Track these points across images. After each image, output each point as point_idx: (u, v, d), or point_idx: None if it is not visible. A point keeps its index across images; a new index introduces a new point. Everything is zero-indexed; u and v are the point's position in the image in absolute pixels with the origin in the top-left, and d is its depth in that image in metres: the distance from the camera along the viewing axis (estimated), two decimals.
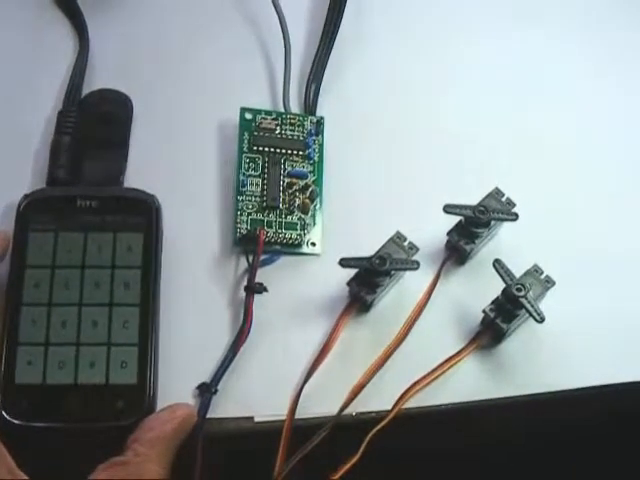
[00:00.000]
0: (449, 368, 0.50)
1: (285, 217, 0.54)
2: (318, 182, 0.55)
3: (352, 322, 0.52)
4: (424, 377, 0.50)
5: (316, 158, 0.56)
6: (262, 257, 0.52)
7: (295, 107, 0.58)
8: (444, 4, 0.63)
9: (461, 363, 0.51)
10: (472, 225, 0.52)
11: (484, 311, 0.51)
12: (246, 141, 0.55)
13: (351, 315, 0.52)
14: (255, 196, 0.54)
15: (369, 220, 0.55)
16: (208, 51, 0.60)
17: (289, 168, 0.55)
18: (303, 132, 0.56)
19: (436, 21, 0.62)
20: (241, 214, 0.54)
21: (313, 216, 0.55)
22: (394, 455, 0.51)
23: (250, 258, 0.52)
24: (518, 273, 0.50)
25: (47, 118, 0.57)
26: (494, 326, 0.51)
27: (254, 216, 0.54)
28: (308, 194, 0.55)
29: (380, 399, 0.50)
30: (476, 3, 0.63)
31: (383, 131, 0.58)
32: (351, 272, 0.51)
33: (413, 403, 0.49)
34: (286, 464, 0.47)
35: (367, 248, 0.51)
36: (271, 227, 0.54)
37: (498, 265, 0.50)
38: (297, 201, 0.55)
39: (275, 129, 0.56)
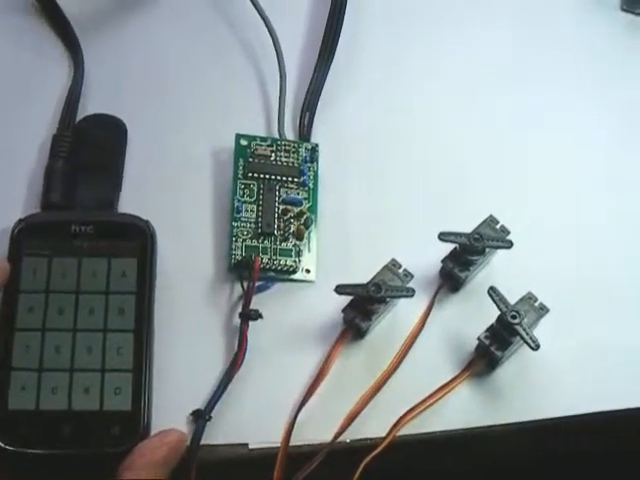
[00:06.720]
0: (443, 395, 0.50)
1: (280, 244, 0.54)
2: (313, 209, 0.55)
3: (346, 349, 0.52)
4: (419, 404, 0.50)
5: (311, 185, 0.56)
6: (257, 284, 0.52)
7: (290, 134, 0.58)
8: (441, 31, 0.63)
9: (455, 390, 0.51)
10: (467, 252, 0.52)
11: (479, 338, 0.51)
12: (241, 167, 0.55)
13: (345, 342, 0.52)
14: (250, 222, 0.54)
15: (363, 247, 0.55)
16: (203, 77, 0.60)
17: (284, 195, 0.55)
18: (298, 159, 0.56)
19: (431, 49, 0.63)
20: (236, 240, 0.54)
21: (308, 243, 0.55)
22: None
23: (245, 284, 0.52)
24: (511, 300, 0.50)
25: (42, 142, 0.56)
26: (488, 353, 0.51)
27: (249, 242, 0.54)
28: (303, 221, 0.55)
29: (375, 426, 0.50)
30: (476, 25, 0.64)
31: (378, 158, 0.58)
32: (345, 299, 0.51)
33: (408, 430, 0.49)
34: None
35: (361, 275, 0.51)
36: (266, 253, 0.54)
37: (493, 292, 0.50)
38: (292, 228, 0.55)
39: (270, 155, 0.56)
